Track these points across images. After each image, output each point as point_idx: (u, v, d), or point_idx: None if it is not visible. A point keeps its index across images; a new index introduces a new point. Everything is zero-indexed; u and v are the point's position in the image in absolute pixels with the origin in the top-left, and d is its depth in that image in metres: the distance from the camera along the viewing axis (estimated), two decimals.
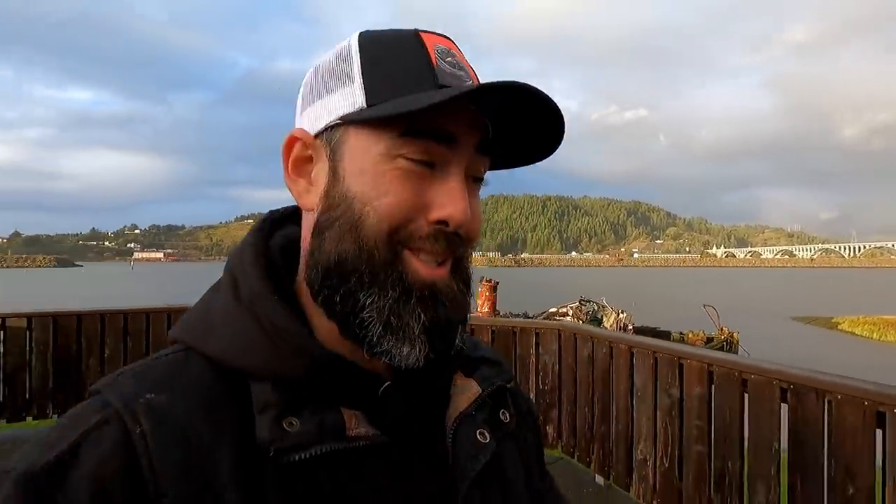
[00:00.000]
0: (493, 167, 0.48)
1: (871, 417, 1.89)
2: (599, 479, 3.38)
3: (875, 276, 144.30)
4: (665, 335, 29.59)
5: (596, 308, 30.31)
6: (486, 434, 0.47)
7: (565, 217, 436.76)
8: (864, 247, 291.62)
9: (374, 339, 0.41)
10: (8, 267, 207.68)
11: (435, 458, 0.45)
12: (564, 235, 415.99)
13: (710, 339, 27.09)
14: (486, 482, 0.46)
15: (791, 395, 2.18)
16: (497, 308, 29.73)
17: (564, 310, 29.77)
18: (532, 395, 3.79)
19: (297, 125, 0.47)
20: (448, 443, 0.46)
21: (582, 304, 29.99)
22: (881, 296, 68.33)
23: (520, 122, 0.44)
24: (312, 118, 0.45)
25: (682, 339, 28.49)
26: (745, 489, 2.38)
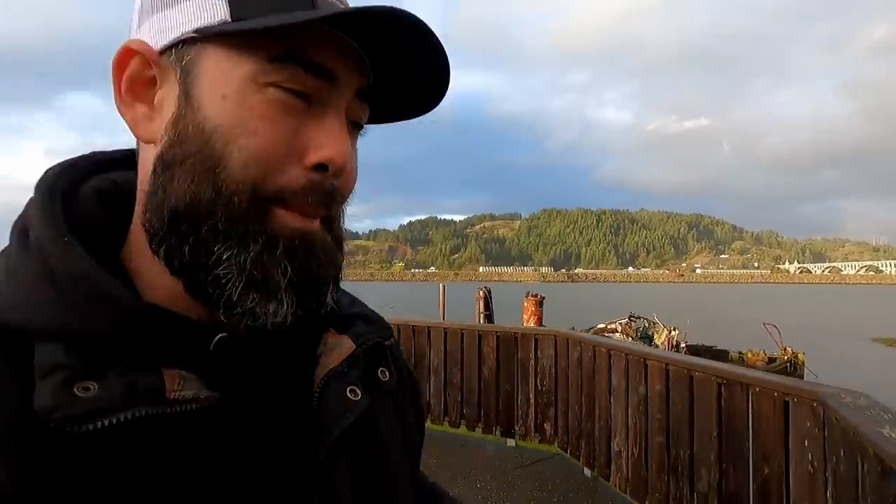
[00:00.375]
0: (373, 121, 0.44)
1: (780, 405, 2.18)
2: (587, 472, 3.70)
3: None
4: (722, 354, 28.28)
5: (647, 325, 29.53)
6: (358, 391, 0.43)
7: (621, 231, 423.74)
8: None
9: (235, 297, 0.35)
10: None
11: (296, 422, 0.40)
12: (620, 250, 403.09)
13: (772, 360, 25.66)
14: (354, 444, 0.42)
15: (724, 389, 2.48)
16: (543, 324, 29.72)
17: (613, 326, 29.18)
18: (531, 396, 4.17)
19: (134, 37, 0.39)
20: (314, 403, 0.41)
21: (631, 321, 29.31)
22: None
23: (401, 70, 0.40)
24: (157, 29, 0.37)
25: (740, 358, 27.16)
26: (693, 475, 2.67)
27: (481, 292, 26.71)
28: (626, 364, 3.21)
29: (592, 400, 3.60)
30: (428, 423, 4.64)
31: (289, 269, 0.36)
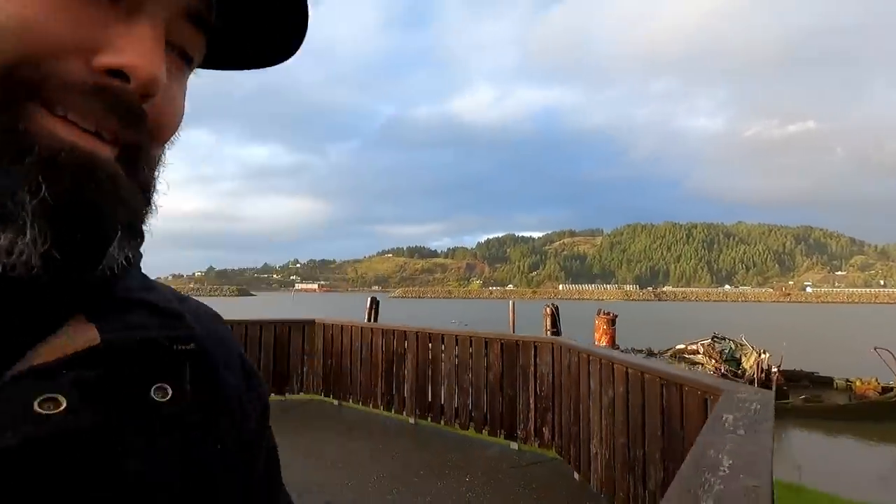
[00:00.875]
0: (221, 65, 0.37)
1: (701, 402, 2.27)
2: (576, 475, 3.80)
3: None
4: (826, 382, 25.29)
5: (733, 347, 27.23)
6: (63, 403, 0.26)
7: (715, 246, 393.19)
8: None
9: None
10: (203, 295, 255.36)
11: None
12: (715, 267, 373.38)
13: (886, 389, 22.51)
14: (49, 477, 0.25)
15: (665, 389, 2.58)
16: (617, 344, 28.45)
17: (694, 347, 27.29)
18: (531, 401, 4.34)
19: None
20: None
21: (715, 342, 27.21)
22: None
23: (248, 7, 0.33)
24: None
25: (847, 387, 24.17)
26: (645, 473, 2.75)
27: (548, 309, 26.30)
28: (600, 368, 3.33)
29: (578, 404, 3.73)
30: (441, 424, 4.96)
31: (43, 188, 0.25)
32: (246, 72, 0.38)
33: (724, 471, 1.09)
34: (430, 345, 5.02)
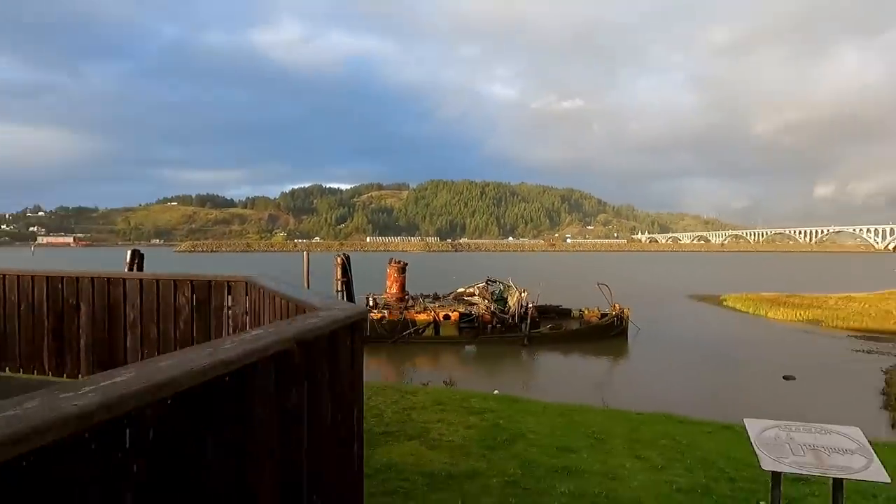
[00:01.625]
0: None
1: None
2: None
3: (772, 258, 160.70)
4: (566, 313, 31.33)
5: (502, 288, 31.71)
6: None
7: (503, 203, 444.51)
8: (767, 233, 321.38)
9: None
10: None
11: None
12: (502, 221, 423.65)
13: (604, 315, 29.26)
14: None
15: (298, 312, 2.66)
16: (406, 290, 30.00)
17: (472, 290, 30.93)
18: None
19: None
20: None
21: (488, 284, 31.27)
22: (769, 275, 76.22)
23: None
24: None
25: (580, 315, 30.45)
26: None
27: (339, 259, 26.24)
28: (272, 303, 3.33)
29: None
30: None
31: None
32: None
33: None
34: (109, 291, 4.34)
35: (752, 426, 3.63)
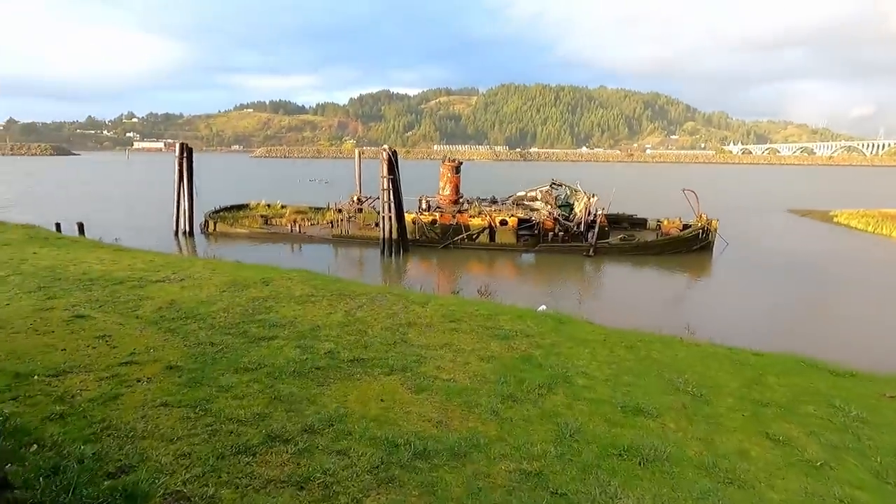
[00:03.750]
0: None
1: None
2: None
3: (893, 173, 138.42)
4: (641, 223, 27.79)
5: (568, 192, 28.41)
6: None
7: (578, 110, 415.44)
8: (889, 144, 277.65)
9: None
10: (4, 154, 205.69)
11: None
12: (576, 129, 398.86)
13: (686, 226, 25.50)
14: None
15: None
16: (461, 192, 27.60)
17: (533, 193, 27.93)
18: None
19: None
20: None
21: (553, 188, 28.05)
22: (891, 192, 65.09)
23: None
24: None
25: (657, 226, 26.86)
26: None
27: (384, 154, 23.99)
28: None
29: None
30: None
31: None
32: None
33: None
34: None
35: None
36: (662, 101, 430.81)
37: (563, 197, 26.95)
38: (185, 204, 26.73)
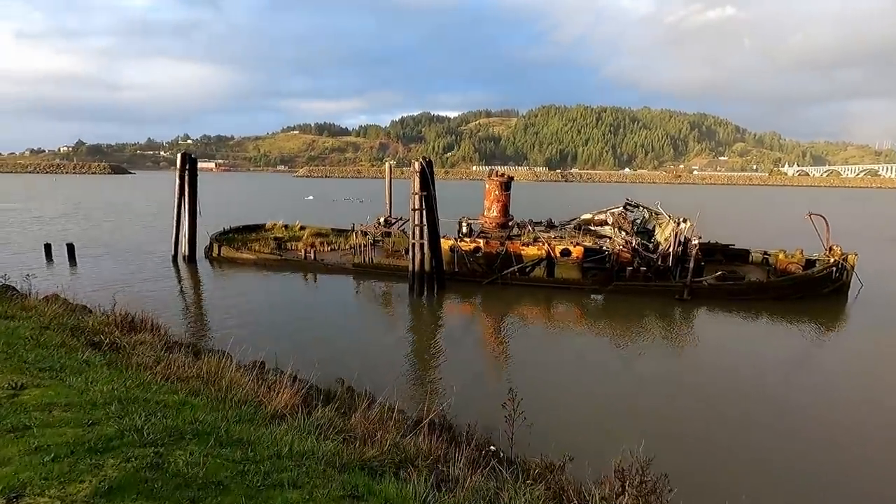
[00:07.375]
0: None
1: None
2: None
3: None
4: (740, 255, 21.61)
5: (646, 216, 22.92)
6: None
7: (621, 130, 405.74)
8: None
9: None
10: (66, 173, 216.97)
11: None
12: (618, 150, 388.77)
13: (810, 262, 19.42)
14: None
15: None
16: (510, 214, 22.43)
17: (602, 217, 22.50)
18: None
19: None
20: None
21: (627, 210, 22.71)
22: None
23: None
24: None
25: (764, 260, 20.78)
26: None
27: (416, 166, 19.23)
28: None
29: None
30: None
31: None
32: None
33: None
34: None
35: None
36: (710, 121, 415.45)
37: (639, 221, 21.56)
38: (185, 225, 23.12)
